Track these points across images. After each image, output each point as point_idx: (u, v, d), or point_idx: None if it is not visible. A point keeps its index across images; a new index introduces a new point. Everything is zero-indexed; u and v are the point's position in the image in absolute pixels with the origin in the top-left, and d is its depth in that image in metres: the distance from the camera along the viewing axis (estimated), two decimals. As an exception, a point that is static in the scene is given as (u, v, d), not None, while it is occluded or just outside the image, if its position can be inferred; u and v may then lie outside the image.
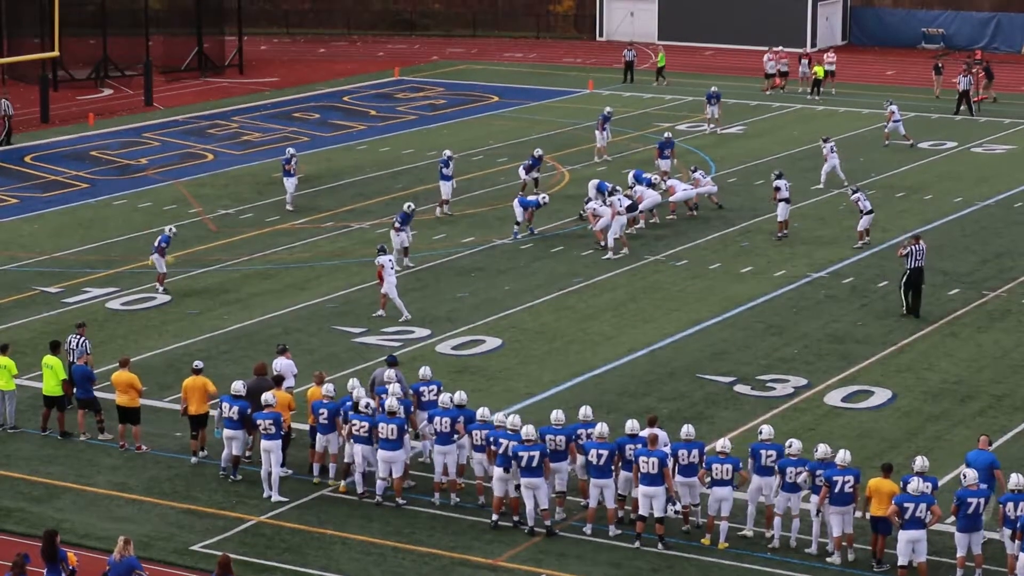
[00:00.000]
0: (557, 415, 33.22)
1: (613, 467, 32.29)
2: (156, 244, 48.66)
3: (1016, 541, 29.53)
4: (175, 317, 46.46)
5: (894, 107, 70.19)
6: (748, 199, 59.91)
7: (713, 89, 75.55)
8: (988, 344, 44.18)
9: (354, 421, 33.64)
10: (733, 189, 61.80)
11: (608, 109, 68.89)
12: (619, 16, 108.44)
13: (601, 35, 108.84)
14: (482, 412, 33.62)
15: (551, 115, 78.70)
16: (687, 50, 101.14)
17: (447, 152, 59.46)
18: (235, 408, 34.61)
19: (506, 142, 71.28)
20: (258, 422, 34.10)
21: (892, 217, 56.40)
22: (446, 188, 58.32)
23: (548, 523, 32.30)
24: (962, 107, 78.89)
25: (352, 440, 33.72)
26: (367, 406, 33.82)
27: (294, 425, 35.91)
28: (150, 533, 31.99)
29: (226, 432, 34.75)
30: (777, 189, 55.01)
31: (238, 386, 35.03)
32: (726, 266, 51.68)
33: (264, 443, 33.98)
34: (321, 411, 34.45)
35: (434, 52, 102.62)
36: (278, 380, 35.56)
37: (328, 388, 34.88)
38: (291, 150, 60.56)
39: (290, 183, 59.20)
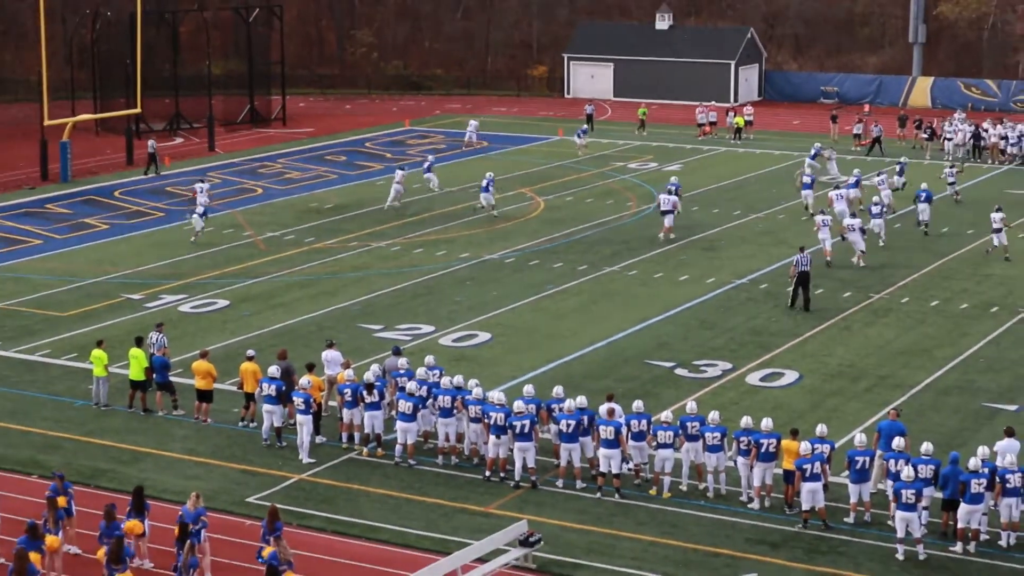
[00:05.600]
0: (528, 388, 33.40)
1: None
2: None
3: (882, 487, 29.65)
4: (233, 317, 46.37)
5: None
6: (686, 221, 59.78)
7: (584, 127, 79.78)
8: (874, 336, 44.19)
9: (401, 401, 33.61)
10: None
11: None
12: (582, 78, 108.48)
13: (568, 93, 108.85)
14: (476, 392, 33.57)
15: (529, 157, 78.62)
16: (636, 105, 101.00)
17: (489, 174, 63.06)
18: (272, 387, 34.54)
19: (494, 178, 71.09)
20: (293, 399, 34.13)
21: (799, 236, 56.18)
22: (486, 198, 61.51)
23: (534, 478, 32.29)
24: (874, 148, 78.81)
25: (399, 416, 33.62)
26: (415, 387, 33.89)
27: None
28: (215, 488, 31.95)
29: (266, 407, 34.69)
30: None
31: (273, 369, 34.98)
32: (667, 275, 51.64)
33: (298, 417, 33.98)
34: (345, 391, 34.42)
35: (436, 107, 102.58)
36: (310, 367, 35.37)
37: (348, 373, 34.89)
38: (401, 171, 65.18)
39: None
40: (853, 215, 55.00)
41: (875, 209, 56.60)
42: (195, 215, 58.13)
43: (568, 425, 32.13)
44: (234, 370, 37.73)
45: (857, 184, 62.97)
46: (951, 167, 67.37)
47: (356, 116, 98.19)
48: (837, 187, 60.02)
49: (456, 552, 27.90)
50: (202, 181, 63.04)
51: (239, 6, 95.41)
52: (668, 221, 57.23)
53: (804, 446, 30.15)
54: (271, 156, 79.78)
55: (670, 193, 58.32)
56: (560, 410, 32.61)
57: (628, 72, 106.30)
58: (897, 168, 66.75)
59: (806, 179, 62.82)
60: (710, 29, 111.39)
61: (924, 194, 59.24)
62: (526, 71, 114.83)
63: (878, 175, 64.05)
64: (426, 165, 68.16)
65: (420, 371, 34.71)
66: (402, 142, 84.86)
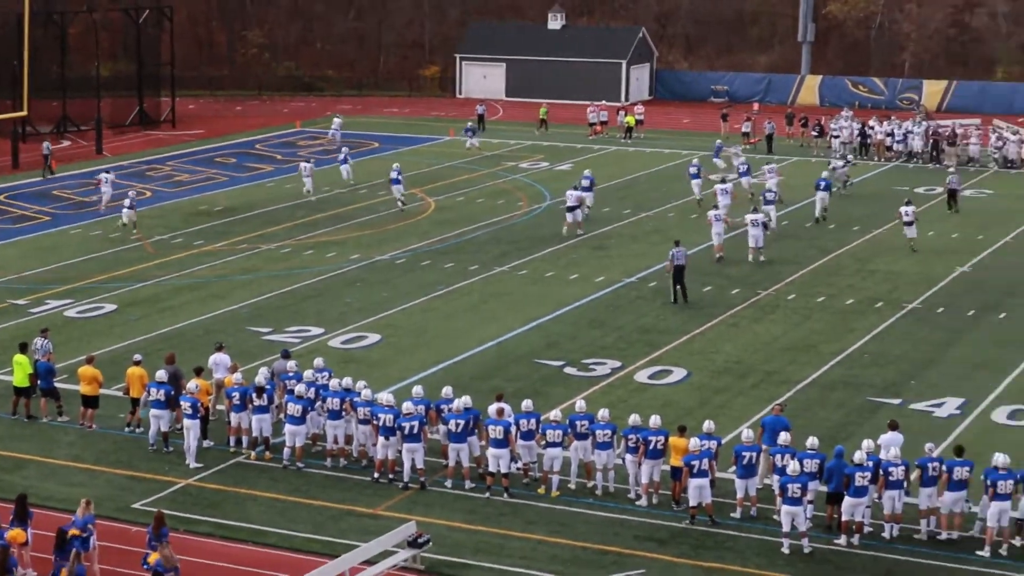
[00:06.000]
0: (417, 389, 33.39)
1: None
2: None
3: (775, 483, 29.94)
4: (120, 322, 45.90)
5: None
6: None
7: (470, 124, 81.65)
8: (761, 332, 44.58)
9: (290, 404, 33.50)
10: (562, 213, 61.90)
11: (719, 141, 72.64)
12: (475, 78, 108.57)
13: (460, 93, 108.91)
14: (365, 394, 33.51)
15: (420, 157, 78.54)
16: (528, 105, 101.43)
17: (396, 165, 65.49)
18: (161, 391, 34.28)
19: (385, 179, 70.90)
20: (181, 404, 33.89)
21: (689, 234, 56.66)
22: (398, 189, 63.60)
23: (423, 479, 32.24)
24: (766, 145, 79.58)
25: (286, 419, 33.54)
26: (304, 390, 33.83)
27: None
28: (100, 495, 31.54)
29: (153, 412, 34.41)
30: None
31: (161, 374, 34.69)
32: (558, 274, 51.80)
33: (185, 421, 33.71)
34: (233, 394, 34.22)
35: (328, 108, 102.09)
36: (198, 371, 35.23)
37: (236, 376, 34.69)
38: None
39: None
40: (754, 210, 55.43)
41: (769, 196, 57.82)
42: (124, 208, 59.52)
43: (456, 425, 32.13)
44: (121, 375, 37.30)
45: (747, 173, 64.39)
46: (837, 160, 68.54)
47: (247, 117, 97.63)
48: (723, 181, 60.62)
49: (344, 555, 27.80)
50: (106, 172, 64.92)
51: (128, 7, 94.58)
52: (570, 217, 57.93)
53: (693, 442, 30.36)
54: (160, 158, 79.10)
55: (576, 188, 59.39)
56: (449, 410, 32.60)
57: (520, 72, 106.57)
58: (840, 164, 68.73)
59: (692, 169, 64.02)
60: (602, 29, 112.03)
61: (823, 183, 61.34)
62: (418, 71, 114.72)
63: (767, 165, 65.09)
64: (341, 156, 70.46)
65: (308, 373, 34.57)
66: (293, 143, 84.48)
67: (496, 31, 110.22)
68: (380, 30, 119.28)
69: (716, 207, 55.35)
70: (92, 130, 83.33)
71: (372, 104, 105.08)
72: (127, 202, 59.61)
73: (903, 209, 56.20)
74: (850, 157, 68.33)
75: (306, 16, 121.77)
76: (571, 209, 58.10)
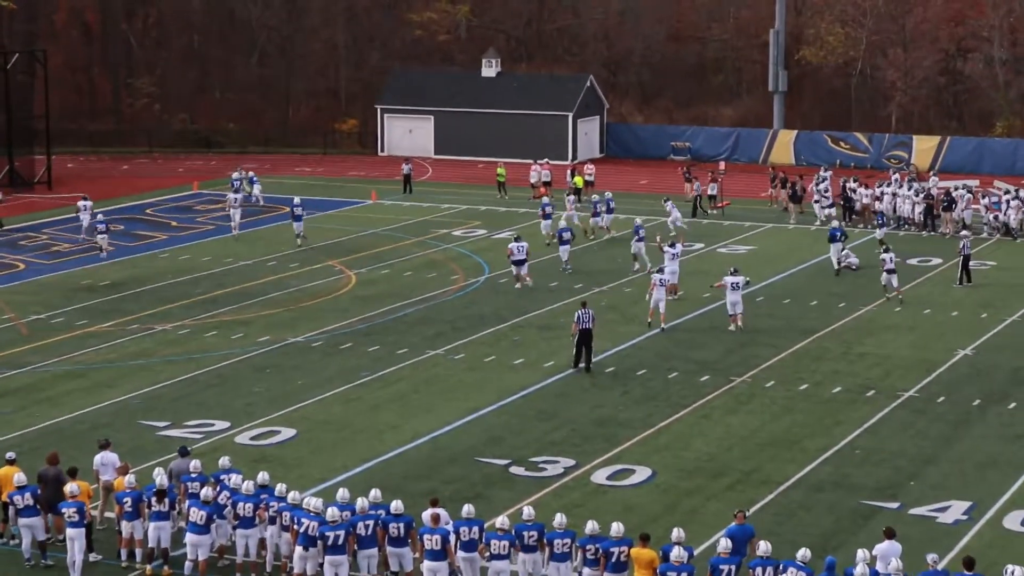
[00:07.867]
0: (342, 493, 33.20)
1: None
2: None
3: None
4: (-10, 416, 45.59)
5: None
6: (518, 297, 60.18)
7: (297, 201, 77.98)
8: (736, 425, 44.63)
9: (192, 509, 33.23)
10: (504, 288, 62.10)
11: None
12: (399, 133, 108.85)
13: (383, 150, 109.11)
14: (293, 496, 33.26)
15: (338, 223, 78.51)
16: (460, 163, 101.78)
17: (296, 198, 74.45)
18: (27, 494, 33.91)
19: (297, 249, 71.01)
20: (63, 511, 33.47)
21: (647, 312, 57.01)
22: (298, 226, 72.13)
23: (347, 596, 32.10)
24: (697, 211, 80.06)
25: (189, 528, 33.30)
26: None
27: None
28: (-32, 619, 31.25)
29: (23, 521, 33.93)
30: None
31: (20, 478, 34.32)
32: (500, 358, 51.77)
33: (69, 531, 33.31)
34: (125, 500, 33.89)
35: (229, 167, 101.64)
36: (72, 472, 34.83)
37: (130, 479, 34.37)
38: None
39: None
40: (734, 271, 55.76)
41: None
42: (99, 235, 69.15)
43: (366, 527, 31.98)
44: (-8, 477, 36.92)
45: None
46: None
47: (135, 178, 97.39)
48: (672, 245, 61.00)
49: None
50: (84, 199, 75.24)
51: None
52: (515, 271, 62.20)
53: (675, 552, 30.17)
54: (35, 225, 78.71)
55: (517, 240, 63.04)
56: (350, 514, 32.57)
57: (451, 126, 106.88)
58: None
59: (547, 208, 72.23)
60: (544, 77, 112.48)
61: (838, 232, 65.14)
62: (333, 125, 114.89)
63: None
64: (252, 177, 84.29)
65: (247, 485, 34.02)
66: (190, 208, 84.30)
67: (422, 80, 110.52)
68: (288, 77, 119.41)
69: (661, 270, 56.18)
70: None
71: (281, 163, 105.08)
72: (101, 227, 69.47)
73: (884, 256, 59.81)
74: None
75: (203, 61, 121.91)
76: (519, 263, 61.61)
